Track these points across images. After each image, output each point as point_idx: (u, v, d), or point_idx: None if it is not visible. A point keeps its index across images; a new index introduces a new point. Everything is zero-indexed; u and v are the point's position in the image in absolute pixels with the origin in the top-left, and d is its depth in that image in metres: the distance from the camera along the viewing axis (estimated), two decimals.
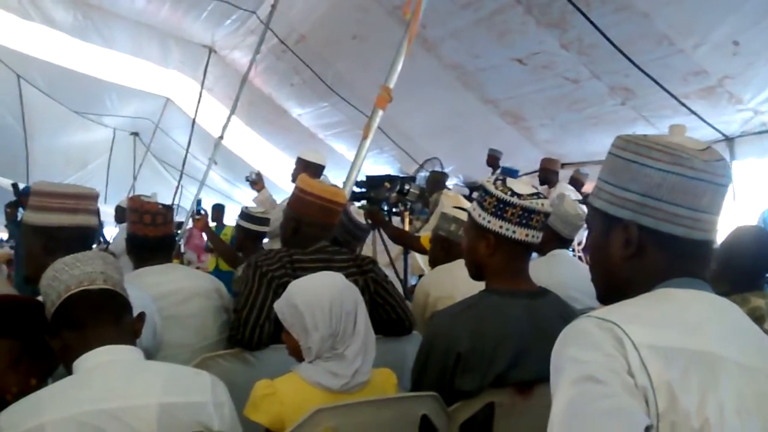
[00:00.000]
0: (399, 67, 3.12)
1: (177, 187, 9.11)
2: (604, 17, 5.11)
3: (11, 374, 1.55)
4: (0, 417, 1.34)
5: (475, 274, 2.03)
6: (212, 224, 7.83)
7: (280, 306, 1.84)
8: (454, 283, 2.68)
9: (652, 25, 4.90)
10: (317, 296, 1.78)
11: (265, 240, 4.33)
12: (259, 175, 5.10)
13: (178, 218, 6.23)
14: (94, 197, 2.10)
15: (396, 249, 4.92)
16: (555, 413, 0.97)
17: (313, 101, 8.95)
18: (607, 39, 5.23)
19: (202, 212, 5.41)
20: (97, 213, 2.14)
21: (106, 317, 1.50)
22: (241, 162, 10.28)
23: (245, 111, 8.96)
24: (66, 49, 9.39)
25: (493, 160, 7.22)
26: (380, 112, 3.17)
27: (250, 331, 2.27)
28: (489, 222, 1.90)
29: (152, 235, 2.46)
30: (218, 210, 8.34)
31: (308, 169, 4.33)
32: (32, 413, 1.33)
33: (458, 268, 2.90)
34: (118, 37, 8.98)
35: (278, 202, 5.06)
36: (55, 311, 1.50)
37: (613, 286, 1.19)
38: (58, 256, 1.66)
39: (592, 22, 5.15)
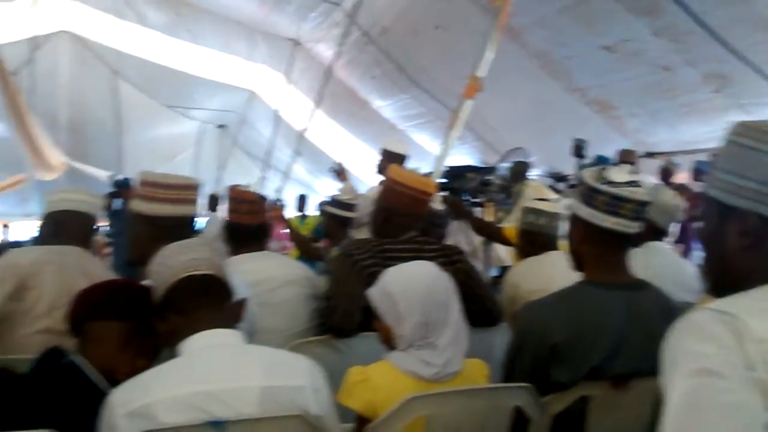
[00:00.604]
0: (488, 56, 3.09)
1: (261, 178, 9.32)
2: (700, 3, 4.91)
3: (121, 355, 1.63)
4: (111, 395, 1.41)
5: (575, 264, 1.99)
6: (297, 214, 8.00)
7: (373, 293, 1.86)
8: (545, 276, 2.64)
9: (753, 9, 4.68)
10: (412, 284, 1.79)
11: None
12: (342, 165, 5.16)
13: None
14: (195, 187, 2.18)
15: (477, 240, 4.88)
16: (671, 406, 0.94)
17: (394, 93, 8.97)
18: (704, 25, 5.02)
19: (277, 203, 5.52)
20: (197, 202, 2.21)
21: (210, 302, 1.55)
22: (322, 153, 10.42)
23: (328, 103, 9.08)
24: (158, 46, 9.79)
25: (578, 150, 7.04)
26: (469, 103, 3.13)
27: (340, 318, 2.30)
28: (579, 209, 1.87)
29: (249, 224, 2.54)
30: (301, 200, 8.49)
31: (392, 159, 4.35)
32: (141, 392, 1.39)
33: (549, 260, 2.87)
34: (207, 34, 9.27)
35: (361, 192, 5.11)
36: (162, 295, 1.56)
37: (727, 278, 1.13)
38: (162, 243, 1.74)
39: (687, 9, 4.96)
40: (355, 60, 8.67)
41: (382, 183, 4.77)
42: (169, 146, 11.91)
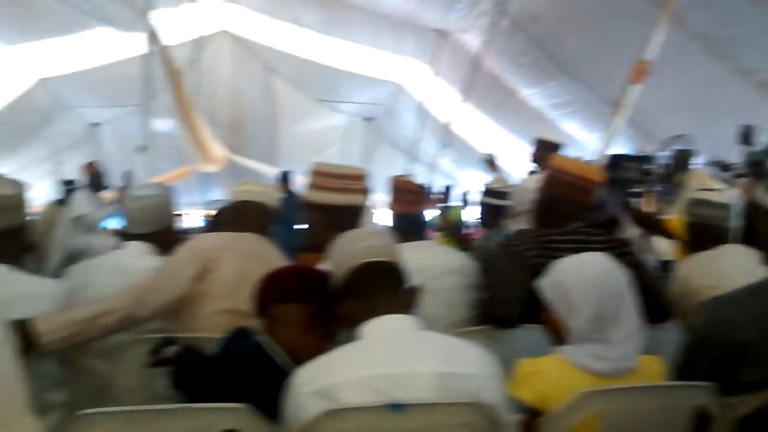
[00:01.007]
0: (656, 38, 2.93)
1: (409, 170, 9.42)
2: None
3: (304, 337, 1.71)
4: (296, 375, 1.49)
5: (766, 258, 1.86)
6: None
7: (545, 284, 1.83)
8: (719, 271, 2.49)
9: None
10: (585, 276, 1.75)
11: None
12: (493, 156, 5.11)
13: None
14: (363, 177, 2.25)
15: (635, 232, 4.68)
16: None
17: (542, 81, 8.74)
18: None
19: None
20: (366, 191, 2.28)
21: (386, 288, 1.60)
22: (467, 145, 10.38)
23: (474, 93, 9.02)
24: (312, 43, 10.15)
25: (745, 136, 6.53)
26: (635, 88, 2.99)
27: (502, 309, 2.29)
28: (765, 200, 1.74)
29: (412, 213, 2.58)
30: (447, 191, 8.51)
31: (548, 149, 4.26)
32: (325, 373, 1.46)
33: (723, 254, 2.69)
34: (357, 29, 9.49)
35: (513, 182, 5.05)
36: (341, 281, 1.62)
37: None
38: (334, 231, 1.81)
39: None
40: (503, 49, 8.52)
41: (532, 173, 4.71)
42: (318, 139, 12.31)
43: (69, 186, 6.07)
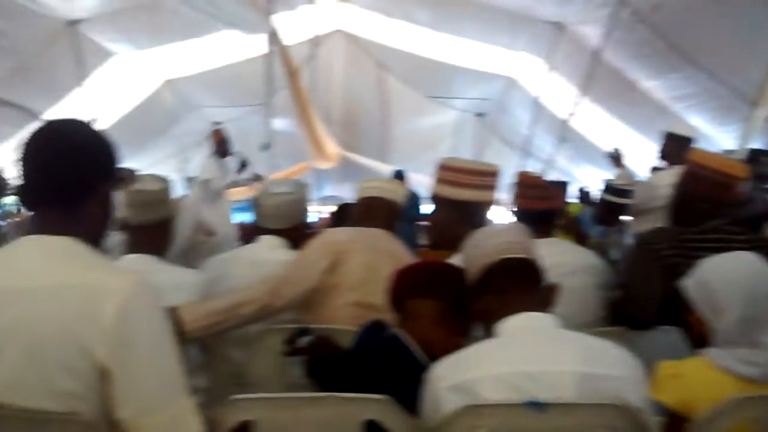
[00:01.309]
0: None
1: (522, 166, 9.27)
2: None
3: (437, 332, 1.72)
4: (434, 369, 1.50)
5: None
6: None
7: (689, 284, 1.76)
8: None
9: None
10: (734, 276, 1.67)
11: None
12: (620, 151, 4.93)
13: None
14: (497, 174, 2.24)
15: None
16: None
17: (665, 72, 8.36)
18: None
19: None
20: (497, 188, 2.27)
21: (525, 285, 1.58)
22: (584, 139, 10.09)
23: (592, 87, 8.75)
24: (423, 39, 10.18)
25: None
26: None
27: (637, 309, 2.21)
28: None
29: (538, 209, 2.54)
30: (563, 188, 8.33)
31: (678, 143, 4.08)
32: (463, 368, 1.46)
33: None
34: (469, 24, 9.43)
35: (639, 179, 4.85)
36: (477, 277, 1.62)
37: None
38: (463, 227, 1.81)
39: None
40: (623, 40, 8.20)
41: (655, 169, 4.52)
42: (430, 135, 12.34)
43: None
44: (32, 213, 1.39)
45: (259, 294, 2.21)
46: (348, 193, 12.58)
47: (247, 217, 12.38)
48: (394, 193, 2.59)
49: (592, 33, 8.37)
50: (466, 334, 1.76)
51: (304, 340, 1.96)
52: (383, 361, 1.69)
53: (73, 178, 1.36)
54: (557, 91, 9.56)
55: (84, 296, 1.25)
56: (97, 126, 1.47)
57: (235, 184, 6.47)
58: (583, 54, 8.50)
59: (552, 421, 1.38)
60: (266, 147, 6.63)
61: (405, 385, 1.57)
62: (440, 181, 2.25)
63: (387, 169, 10.96)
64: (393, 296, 1.83)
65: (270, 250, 2.62)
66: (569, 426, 1.40)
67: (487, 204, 2.22)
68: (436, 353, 1.63)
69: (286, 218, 2.68)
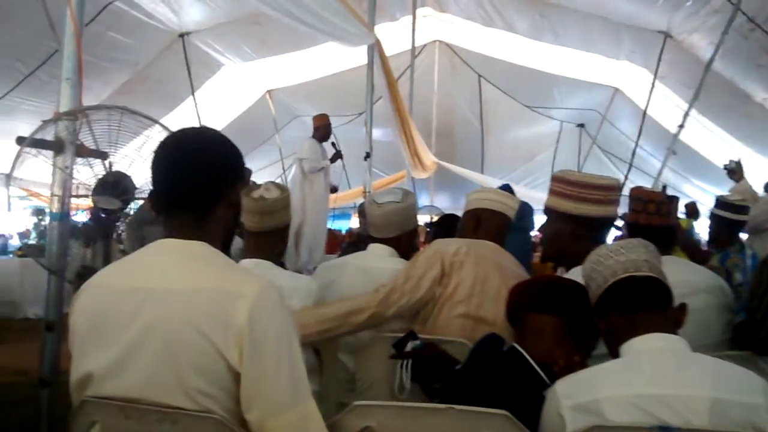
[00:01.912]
0: None
1: (624, 179, 8.97)
2: None
3: (557, 348, 1.69)
4: (556, 386, 1.46)
5: None
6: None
7: None
8: None
9: None
10: None
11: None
12: (739, 164, 4.71)
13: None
14: (619, 188, 2.18)
15: None
16: None
17: None
18: None
19: None
20: (618, 203, 2.20)
21: (652, 304, 1.53)
22: (691, 152, 9.67)
23: (702, 98, 8.38)
24: (522, 49, 10.08)
25: None
26: None
27: (763, 333, 2.09)
28: None
29: (655, 224, 2.45)
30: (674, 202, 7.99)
31: None
32: (588, 387, 1.42)
33: None
34: (570, 33, 9.26)
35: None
36: (601, 294, 1.57)
37: None
38: (582, 242, 1.76)
39: None
40: (736, 49, 7.83)
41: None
42: (528, 146, 12.19)
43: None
44: (165, 217, 1.44)
45: (371, 303, 2.24)
46: (443, 203, 12.58)
47: (347, 225, 12.62)
48: (505, 206, 2.56)
49: (702, 42, 8.04)
50: (588, 353, 1.71)
51: (412, 344, 1.98)
52: (502, 375, 1.67)
53: (206, 184, 1.41)
54: (665, 102, 9.23)
55: (216, 299, 1.30)
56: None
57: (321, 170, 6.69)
58: (692, 63, 8.18)
59: None
60: (368, 156, 6.73)
61: (523, 401, 1.55)
62: (554, 193, 2.21)
63: (482, 179, 10.88)
64: (512, 310, 1.81)
65: (379, 258, 2.65)
66: None
67: (605, 219, 2.15)
68: (555, 370, 1.60)
69: (393, 227, 2.70)
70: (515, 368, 1.67)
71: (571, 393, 1.43)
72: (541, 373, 1.65)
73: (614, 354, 1.53)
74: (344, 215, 13.75)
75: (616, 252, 1.60)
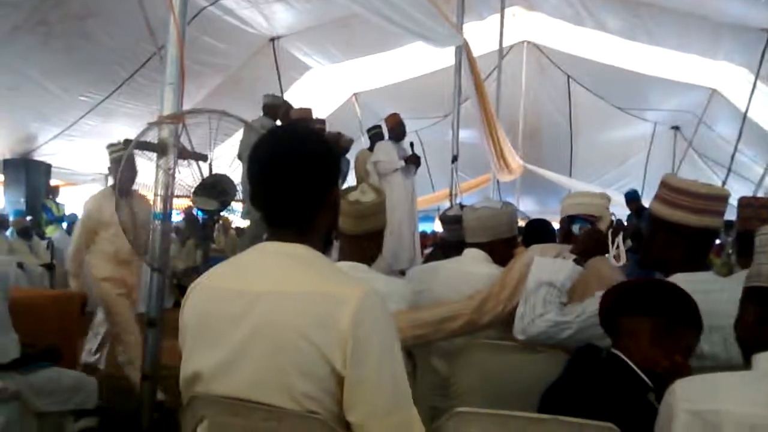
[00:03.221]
0: None
1: (722, 185, 8.57)
2: None
3: (655, 350, 1.63)
4: (676, 386, 1.38)
5: None
6: None
7: None
8: None
9: None
10: None
11: None
12: None
13: None
14: (725, 199, 2.07)
15: None
16: None
17: None
18: None
19: None
20: (723, 214, 2.10)
21: None
22: None
23: None
24: (613, 48, 9.80)
25: None
26: None
27: None
28: None
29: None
30: None
31: None
32: (710, 395, 1.33)
33: None
34: (665, 33, 8.93)
35: None
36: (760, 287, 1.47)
37: None
38: (680, 251, 1.69)
39: None
40: None
41: None
42: (619, 149, 11.85)
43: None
44: (267, 221, 1.44)
45: (466, 310, 2.21)
46: (529, 207, 12.38)
47: (431, 227, 12.60)
48: (600, 209, 2.48)
49: None
50: (689, 354, 1.64)
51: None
52: (604, 382, 1.62)
53: (308, 187, 1.41)
54: (767, 104, 8.76)
55: (321, 303, 1.30)
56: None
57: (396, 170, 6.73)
58: None
59: None
60: (455, 159, 6.69)
61: (628, 407, 1.52)
62: (656, 198, 2.13)
63: (571, 183, 10.63)
64: (605, 316, 1.76)
65: (473, 263, 2.63)
66: None
67: (703, 230, 2.04)
68: (658, 371, 1.56)
69: (486, 232, 2.66)
70: (617, 374, 1.61)
71: (693, 397, 1.35)
72: (644, 377, 1.59)
73: (749, 363, 1.45)
74: (427, 218, 13.74)
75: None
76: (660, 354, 1.63)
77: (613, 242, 2.16)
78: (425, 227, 13.23)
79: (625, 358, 1.64)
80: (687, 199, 2.03)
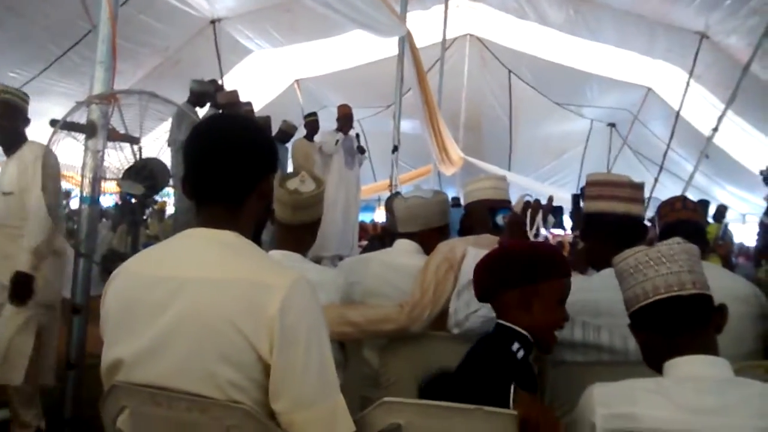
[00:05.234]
0: None
1: (654, 182, 8.81)
2: None
3: (535, 314, 1.69)
4: (594, 390, 1.40)
5: None
6: None
7: None
8: None
9: None
10: None
11: None
12: None
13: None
14: (642, 187, 2.15)
15: None
16: None
17: None
18: None
19: None
20: (643, 202, 2.17)
21: (696, 325, 1.41)
22: (725, 156, 9.50)
23: (737, 100, 8.22)
24: (554, 44, 9.97)
25: None
26: None
27: None
28: None
29: (683, 219, 2.43)
30: (703, 206, 7.87)
31: None
32: (626, 400, 1.35)
33: None
34: (605, 30, 9.14)
35: None
36: (639, 309, 1.47)
37: None
38: (611, 243, 1.74)
39: None
40: None
41: None
42: (557, 143, 12.08)
43: None
44: (196, 206, 1.41)
45: (398, 317, 2.20)
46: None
47: (371, 217, 12.59)
48: (485, 191, 2.57)
49: (740, 43, 7.87)
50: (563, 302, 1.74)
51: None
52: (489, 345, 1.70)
53: (239, 174, 1.39)
54: (699, 104, 9.07)
55: (249, 291, 1.27)
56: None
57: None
58: (729, 65, 8.02)
59: None
60: (396, 150, 6.72)
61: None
62: (586, 199, 2.18)
63: (509, 176, 10.81)
64: (480, 295, 1.82)
65: (404, 254, 2.62)
66: None
67: (632, 217, 2.11)
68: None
69: (417, 221, 2.66)
70: (500, 337, 1.68)
71: (608, 402, 1.37)
72: (524, 332, 1.68)
73: (652, 365, 1.46)
74: (368, 208, 13.73)
75: (657, 261, 1.45)
76: (541, 317, 1.68)
77: (532, 222, 2.18)
78: (365, 217, 13.24)
79: (510, 324, 1.69)
80: (611, 189, 2.10)
